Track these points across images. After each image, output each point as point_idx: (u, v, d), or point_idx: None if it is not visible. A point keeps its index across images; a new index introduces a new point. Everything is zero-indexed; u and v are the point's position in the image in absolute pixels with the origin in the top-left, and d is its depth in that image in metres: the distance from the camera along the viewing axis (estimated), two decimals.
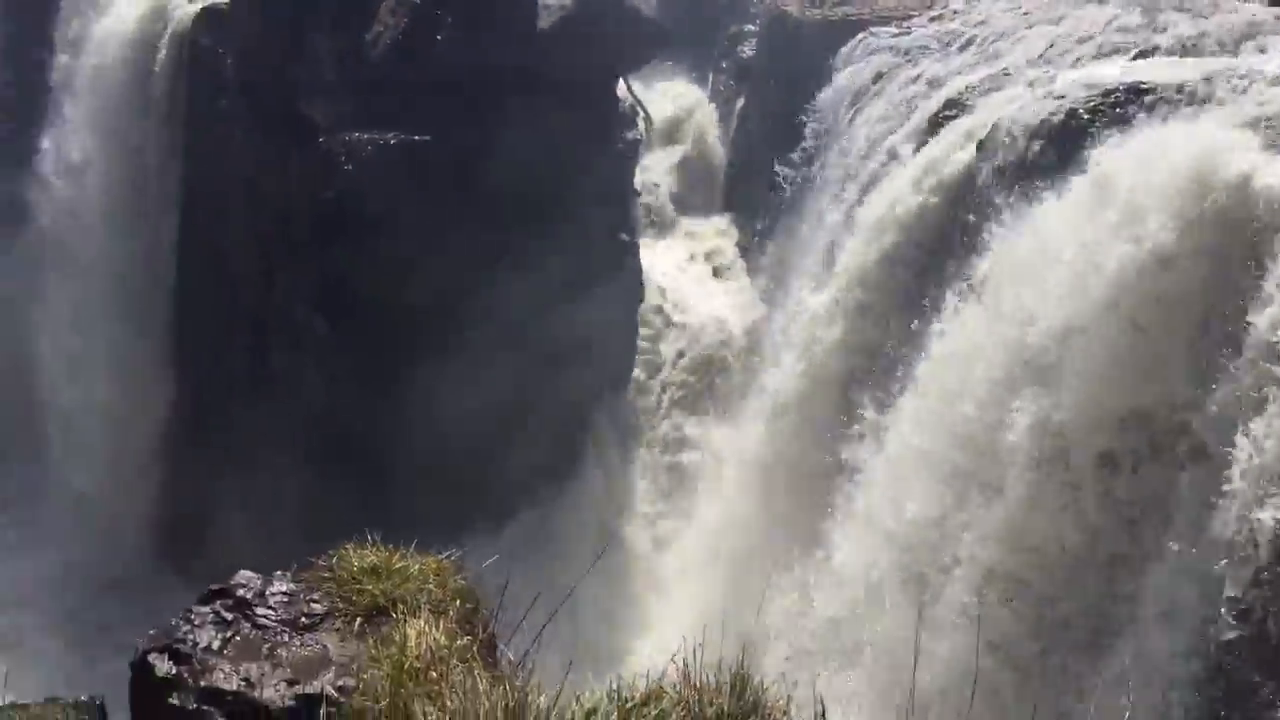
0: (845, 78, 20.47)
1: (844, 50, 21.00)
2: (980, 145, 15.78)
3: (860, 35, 21.05)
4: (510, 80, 21.36)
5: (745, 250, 24.71)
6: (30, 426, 26.83)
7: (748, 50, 26.13)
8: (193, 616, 4.73)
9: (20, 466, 26.90)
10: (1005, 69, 17.46)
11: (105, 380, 25.80)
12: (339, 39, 22.04)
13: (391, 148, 21.33)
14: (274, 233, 22.70)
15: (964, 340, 13.87)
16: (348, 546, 5.52)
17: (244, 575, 5.02)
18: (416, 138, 21.34)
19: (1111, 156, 12.49)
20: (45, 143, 26.48)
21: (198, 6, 24.34)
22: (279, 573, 5.23)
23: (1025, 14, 19.15)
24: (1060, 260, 12.16)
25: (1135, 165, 12.00)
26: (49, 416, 26.46)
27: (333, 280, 21.91)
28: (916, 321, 15.54)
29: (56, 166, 26.24)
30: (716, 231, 25.72)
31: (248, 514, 23.58)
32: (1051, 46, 17.74)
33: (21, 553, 25.47)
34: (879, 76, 19.66)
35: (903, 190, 17.13)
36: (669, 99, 26.81)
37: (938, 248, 16.66)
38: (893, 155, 17.98)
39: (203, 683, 4.44)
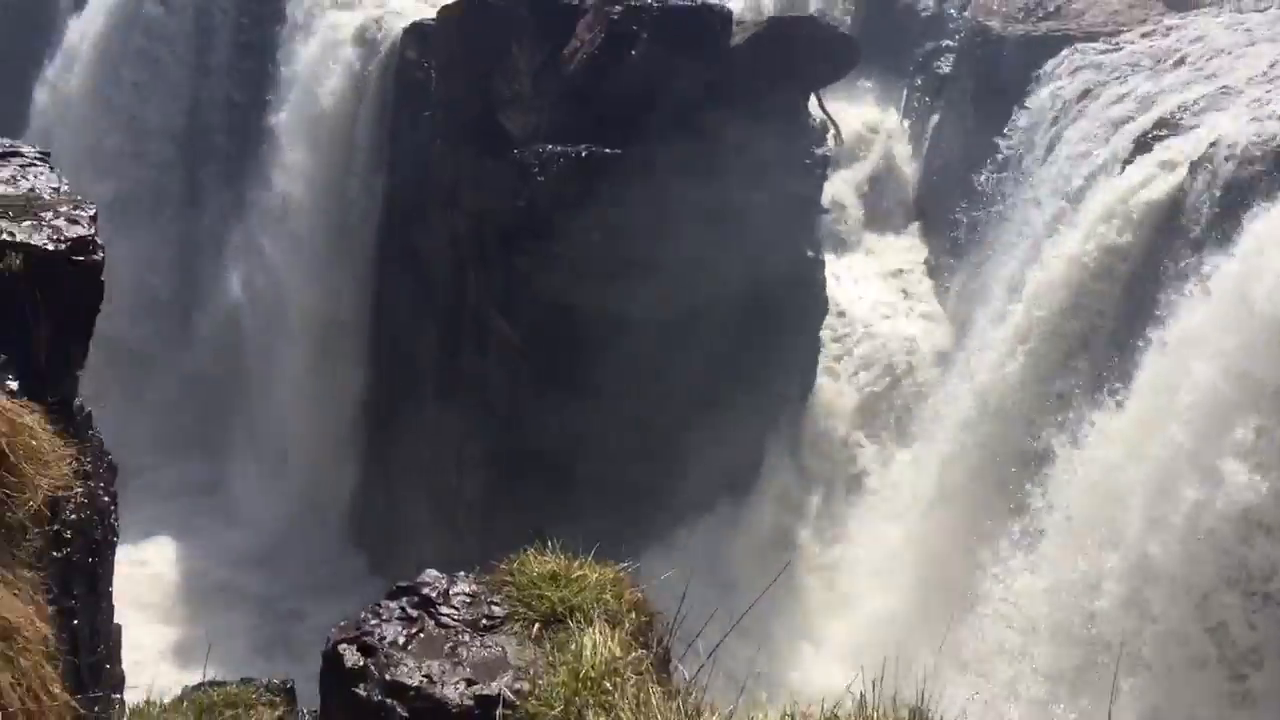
0: (1048, 95, 19.76)
1: (1048, 66, 20.28)
2: (1193, 166, 14.99)
3: (1065, 51, 20.29)
4: (701, 96, 21.47)
5: (934, 270, 24.14)
6: (237, 408, 28.48)
7: (944, 66, 25.52)
8: (381, 611, 4.90)
9: (227, 448, 28.52)
10: (1224, 87, 16.53)
11: (309, 374, 27.15)
12: (536, 54, 22.62)
13: (582, 160, 21.74)
14: (468, 238, 23.45)
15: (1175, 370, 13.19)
16: (528, 552, 5.61)
17: (430, 574, 5.17)
18: (607, 151, 21.68)
19: None
20: (262, 149, 28.15)
21: (407, 22, 25.42)
22: (462, 574, 5.36)
23: (1248, 30, 18.09)
24: None
25: None
26: (260, 397, 27.97)
27: (520, 286, 22.48)
28: (1116, 356, 14.88)
29: (273, 169, 27.85)
30: (905, 250, 25.20)
31: (432, 510, 24.41)
32: (1274, 65, 16.71)
33: (224, 531, 27.00)
34: (1084, 94, 18.91)
35: (1105, 213, 16.42)
36: (861, 115, 26.42)
37: (1142, 276, 15.92)
38: (1096, 175, 17.26)
39: (388, 676, 4.58)
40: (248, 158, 28.58)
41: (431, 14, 24.64)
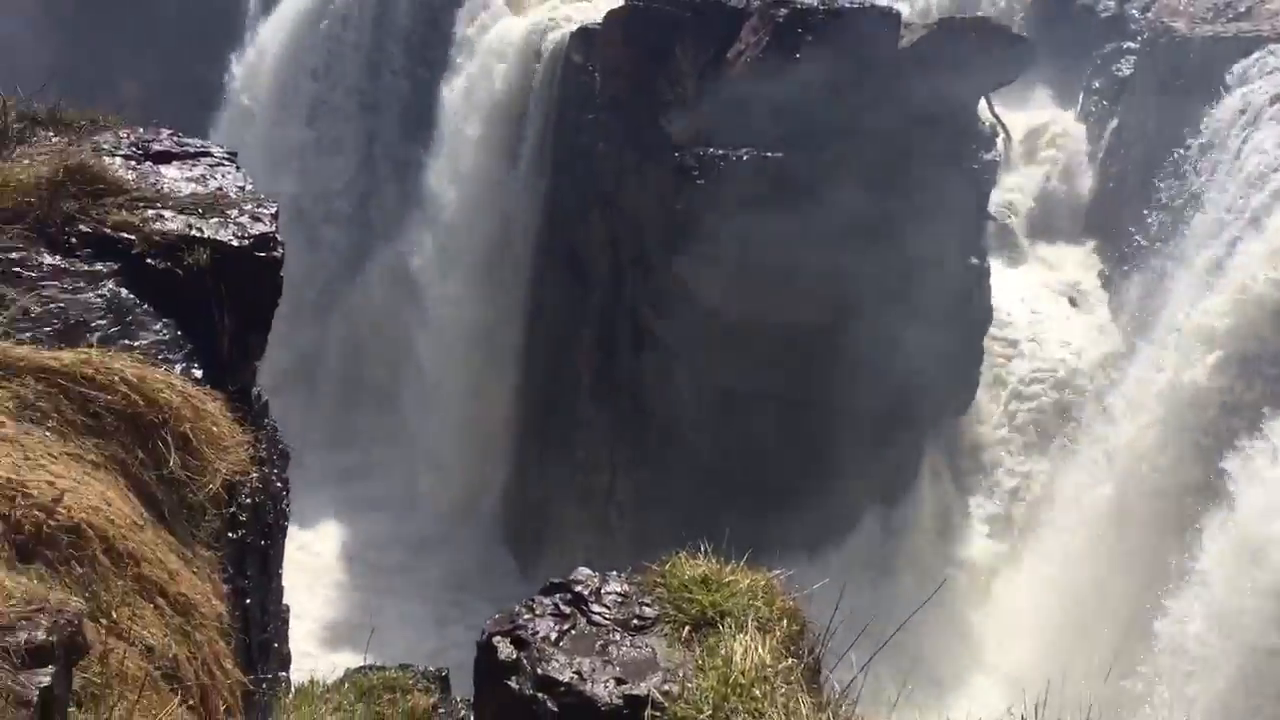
0: (1237, 99, 18.77)
1: (1238, 69, 19.26)
2: None
3: (1257, 53, 19.23)
4: (867, 98, 21.14)
5: (1108, 281, 23.20)
6: (396, 401, 29.37)
7: (1125, 68, 24.49)
8: (534, 606, 4.96)
9: (385, 440, 29.43)
10: None
11: (466, 361, 27.82)
12: (700, 57, 22.67)
13: (744, 163, 21.68)
14: (626, 240, 23.66)
15: None
16: (679, 554, 5.61)
17: (582, 572, 5.21)
18: (769, 154, 21.56)
19: None
20: (430, 150, 29.01)
21: (574, 26, 25.82)
22: (614, 573, 5.39)
23: None
24: None
25: None
26: (419, 389, 28.80)
27: (677, 289, 22.55)
28: None
29: (439, 169, 28.68)
30: (1076, 260, 24.29)
31: (582, 509, 24.71)
32: None
33: (382, 520, 27.89)
34: (1277, 99, 17.88)
35: None
36: (1034, 118, 25.57)
37: None
38: None
39: (539, 670, 4.64)
40: (416, 158, 29.53)
41: (598, 18, 24.97)
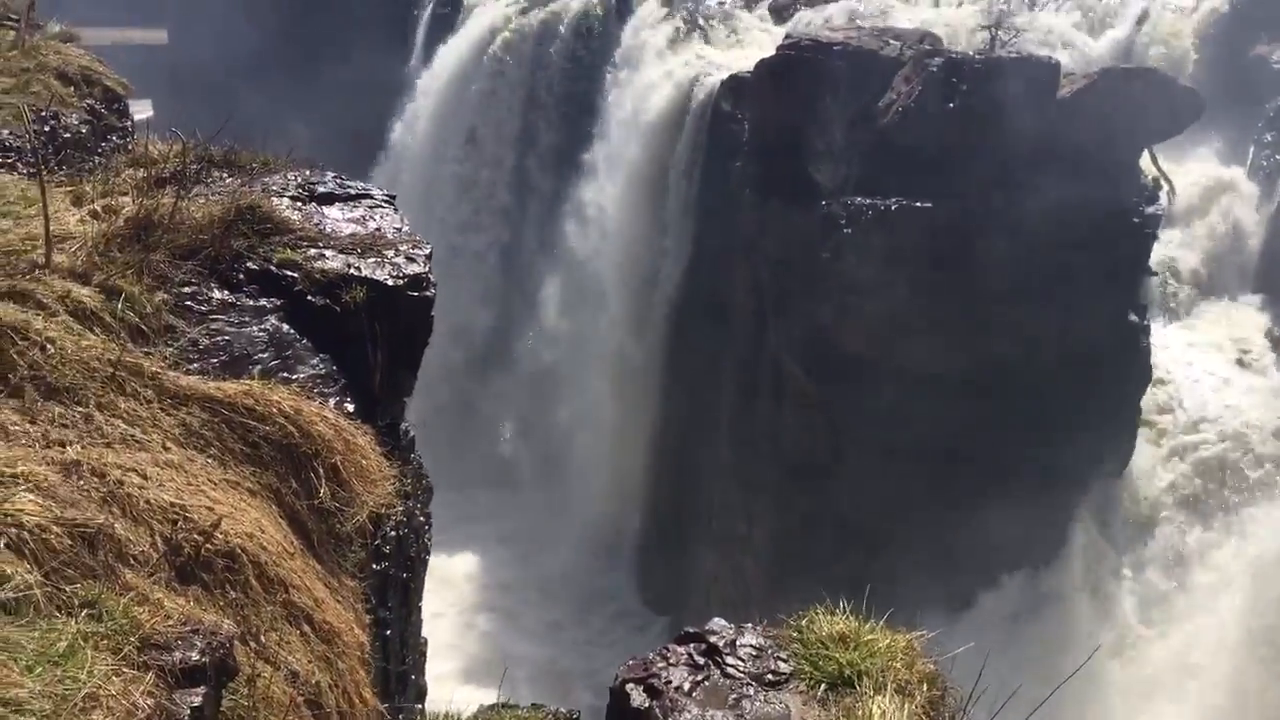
0: None
1: None
2: None
3: None
4: (1023, 149, 20.67)
5: (1278, 342, 22.04)
6: (538, 440, 29.78)
7: None
8: (669, 655, 4.93)
9: (525, 478, 29.84)
10: None
11: (606, 412, 28.08)
12: (850, 106, 22.55)
13: (892, 213, 21.41)
14: (770, 287, 23.57)
15: None
16: (817, 609, 5.50)
17: (717, 623, 5.16)
18: (918, 204, 21.25)
19: None
20: (579, 191, 29.57)
21: (724, 74, 26.05)
22: (749, 625, 5.32)
23: None
24: None
25: None
26: (555, 433, 29.16)
27: (820, 337, 22.32)
28: None
29: (587, 209, 29.21)
30: (1244, 318, 23.15)
31: (718, 556, 24.53)
32: None
33: (520, 558, 28.23)
34: None
35: None
36: (1200, 173, 24.59)
37: None
38: None
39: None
40: (565, 197, 30.16)
41: (748, 66, 25.12)
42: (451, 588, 26.69)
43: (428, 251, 7.72)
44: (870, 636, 5.25)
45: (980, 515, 20.75)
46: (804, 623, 5.33)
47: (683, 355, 26.90)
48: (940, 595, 19.75)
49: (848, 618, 5.40)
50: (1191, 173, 24.29)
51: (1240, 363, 22.38)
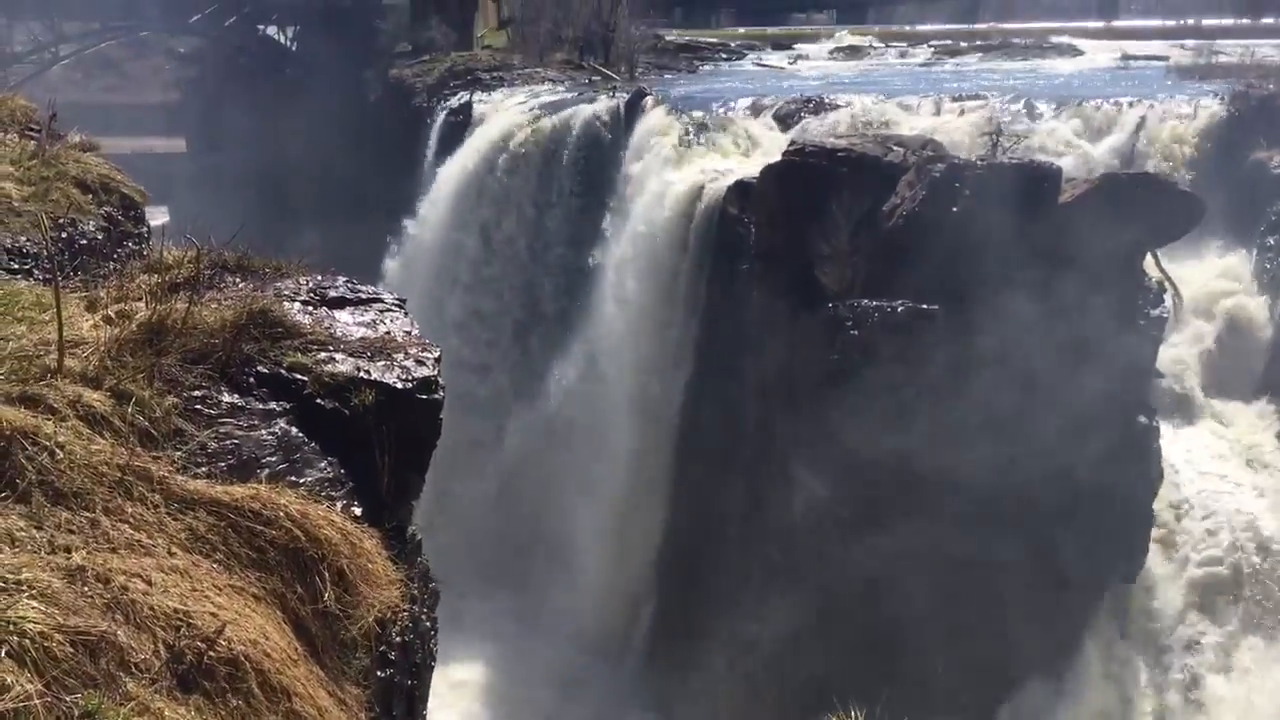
0: None
1: None
2: None
3: None
4: (1027, 254, 20.87)
5: None
6: (544, 542, 29.49)
7: None
8: None
9: (532, 580, 29.46)
10: None
11: (613, 515, 27.87)
12: (855, 209, 22.85)
13: (899, 314, 21.53)
14: (777, 388, 23.60)
15: None
16: (830, 718, 5.42)
17: None
18: (924, 306, 21.39)
19: None
20: (589, 291, 29.85)
21: (732, 179, 26.47)
22: None
23: None
24: None
25: None
26: (562, 535, 28.91)
27: (828, 439, 22.26)
28: None
29: (597, 310, 29.45)
30: (1253, 422, 23.08)
31: (728, 660, 24.11)
32: None
33: (529, 658, 27.68)
34: None
35: None
36: (1205, 275, 24.76)
37: None
38: None
39: None
40: (576, 297, 30.43)
41: (755, 171, 25.54)
42: (458, 691, 26.19)
43: (436, 355, 7.78)
44: None
45: (995, 623, 20.47)
46: None
47: (691, 457, 26.79)
48: (957, 703, 19.40)
49: None
50: (1195, 277, 24.45)
51: (1251, 464, 22.25)
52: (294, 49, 53.61)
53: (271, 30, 54.80)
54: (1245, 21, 46.28)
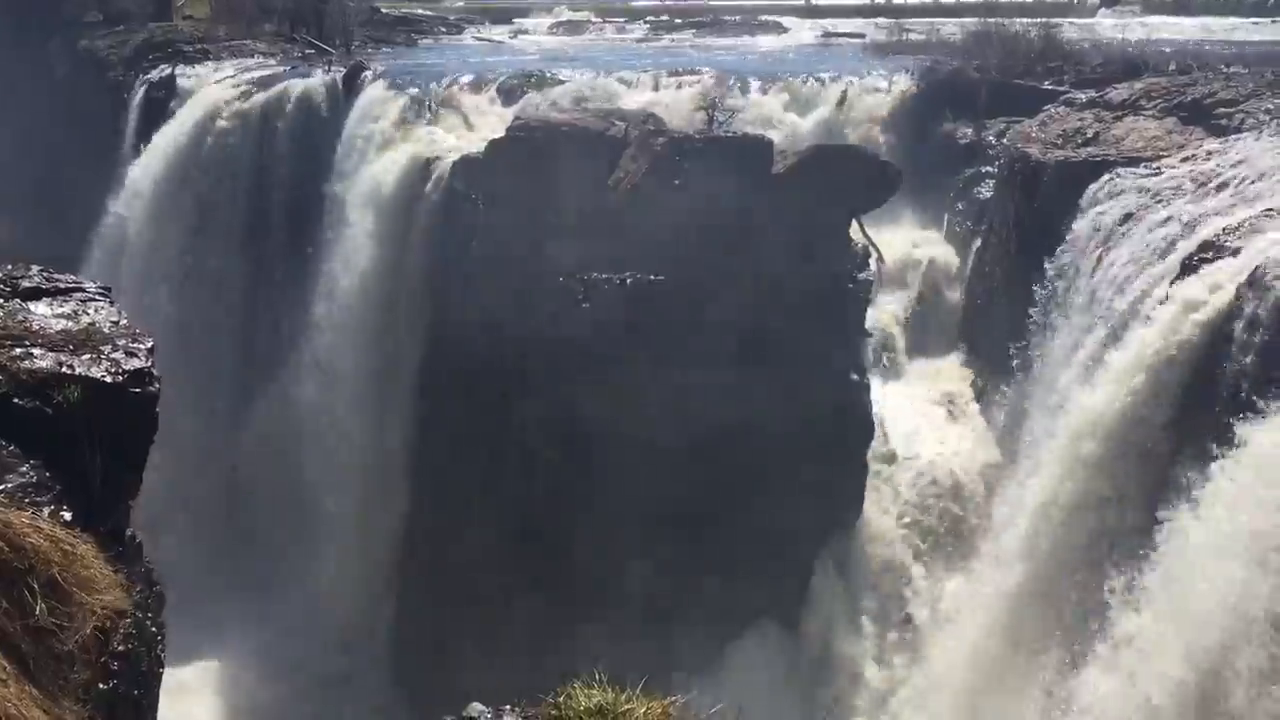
0: (1090, 219, 19.83)
1: (1089, 191, 20.39)
2: (1240, 290, 14.92)
3: (1106, 176, 20.41)
4: (744, 222, 21.80)
5: (981, 393, 23.96)
6: (279, 533, 28.45)
7: (985, 192, 25.78)
8: None
9: (269, 573, 28.38)
10: (1269, 210, 16.53)
11: (351, 501, 27.20)
12: (582, 184, 23.13)
13: (627, 287, 22.05)
14: (513, 365, 23.66)
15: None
16: (575, 684, 5.52)
17: (475, 707, 5.10)
18: (651, 277, 21.99)
19: None
20: (313, 275, 28.75)
21: (456, 156, 26.15)
22: (508, 707, 5.28)
23: None
24: None
25: None
26: (297, 524, 27.97)
27: (565, 412, 22.58)
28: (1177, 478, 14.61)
29: (323, 295, 28.40)
30: (951, 373, 25.07)
31: (478, 639, 24.09)
32: None
33: (269, 660, 26.69)
34: (1127, 218, 18.96)
35: (1153, 336, 16.32)
36: (904, 240, 26.62)
37: (1193, 399, 15.71)
38: (1142, 299, 17.20)
39: None
40: (300, 283, 29.20)
41: (480, 147, 25.36)
42: (189, 697, 24.91)
43: (149, 345, 7.34)
44: (628, 706, 5.32)
45: (728, 576, 21.45)
46: (562, 699, 5.34)
47: (430, 435, 26.41)
48: (693, 653, 20.24)
49: (604, 689, 5.45)
50: (895, 241, 26.22)
51: (950, 414, 24.15)
52: None
53: None
54: (931, 0, 49.84)
